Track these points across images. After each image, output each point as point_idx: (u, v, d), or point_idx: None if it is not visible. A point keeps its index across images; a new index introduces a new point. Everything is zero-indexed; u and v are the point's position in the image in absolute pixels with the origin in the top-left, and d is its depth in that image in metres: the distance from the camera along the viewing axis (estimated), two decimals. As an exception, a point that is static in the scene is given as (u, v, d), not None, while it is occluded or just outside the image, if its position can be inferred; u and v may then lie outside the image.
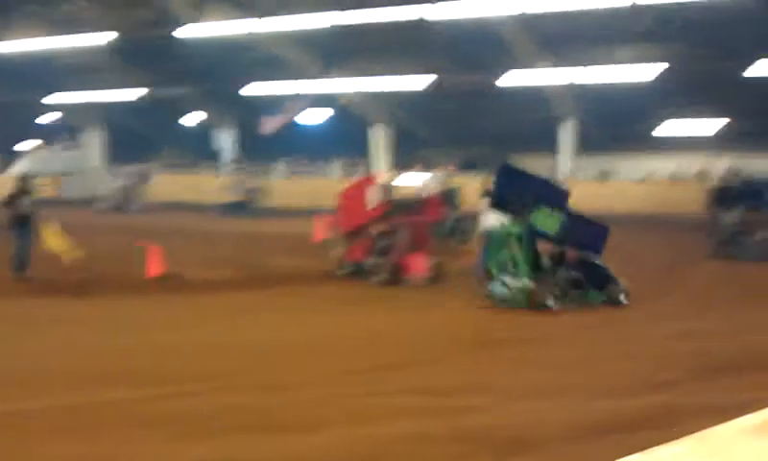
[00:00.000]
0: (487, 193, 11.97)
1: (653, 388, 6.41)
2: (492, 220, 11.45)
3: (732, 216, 15.51)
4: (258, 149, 38.73)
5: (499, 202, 11.00)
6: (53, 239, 12.44)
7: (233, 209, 26.25)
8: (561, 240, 10.69)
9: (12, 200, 12.67)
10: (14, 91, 38.12)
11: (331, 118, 37.29)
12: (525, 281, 10.17)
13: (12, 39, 28.65)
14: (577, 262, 10.73)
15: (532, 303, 10.06)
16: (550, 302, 10.05)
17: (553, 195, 11.03)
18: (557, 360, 7.57)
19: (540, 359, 7.61)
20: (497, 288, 10.40)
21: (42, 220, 12.64)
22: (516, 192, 10.64)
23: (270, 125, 35.09)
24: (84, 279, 11.98)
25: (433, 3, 21.51)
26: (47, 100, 37.09)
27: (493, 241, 11.04)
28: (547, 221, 10.56)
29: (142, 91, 35.18)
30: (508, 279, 10.32)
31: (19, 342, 8.40)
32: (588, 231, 10.90)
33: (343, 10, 23.52)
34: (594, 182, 27.22)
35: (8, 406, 5.89)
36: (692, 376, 6.74)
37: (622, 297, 10.48)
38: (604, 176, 31.06)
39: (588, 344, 8.36)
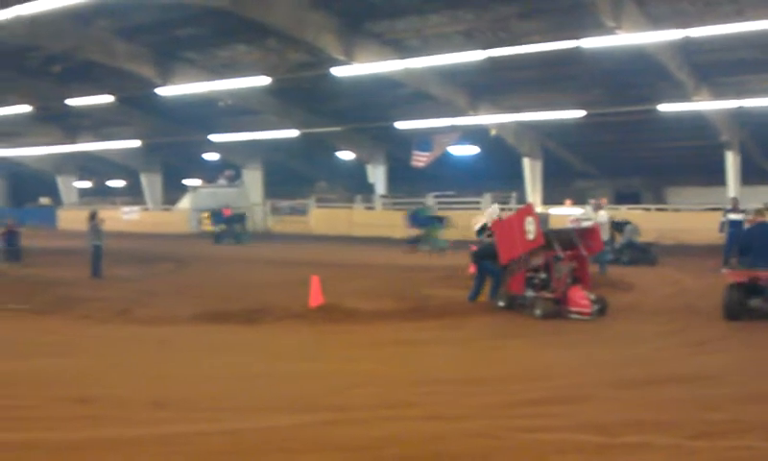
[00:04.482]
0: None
1: None
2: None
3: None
4: (409, 182, 39.29)
5: None
6: None
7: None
8: None
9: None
10: (182, 131, 40.78)
11: (483, 150, 37.26)
12: None
13: (176, 84, 30.64)
14: None
15: None
16: None
17: None
18: (734, 399, 7.13)
19: (717, 397, 7.18)
20: None
21: None
22: None
23: (421, 159, 35.38)
24: (252, 307, 12.58)
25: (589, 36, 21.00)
26: (211, 138, 39.27)
27: None
28: None
29: (297, 130, 36.55)
30: None
31: (191, 367, 8.89)
32: None
33: (494, 47, 23.48)
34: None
35: (177, 428, 6.18)
36: None
37: None
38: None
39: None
